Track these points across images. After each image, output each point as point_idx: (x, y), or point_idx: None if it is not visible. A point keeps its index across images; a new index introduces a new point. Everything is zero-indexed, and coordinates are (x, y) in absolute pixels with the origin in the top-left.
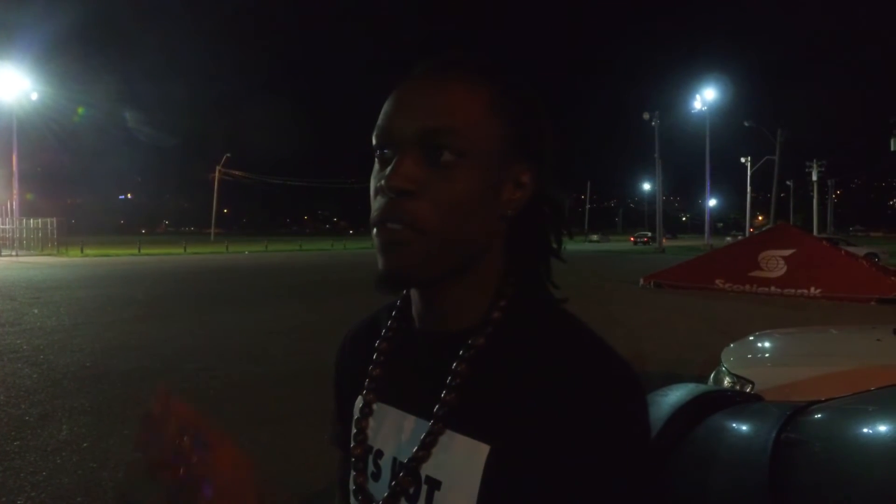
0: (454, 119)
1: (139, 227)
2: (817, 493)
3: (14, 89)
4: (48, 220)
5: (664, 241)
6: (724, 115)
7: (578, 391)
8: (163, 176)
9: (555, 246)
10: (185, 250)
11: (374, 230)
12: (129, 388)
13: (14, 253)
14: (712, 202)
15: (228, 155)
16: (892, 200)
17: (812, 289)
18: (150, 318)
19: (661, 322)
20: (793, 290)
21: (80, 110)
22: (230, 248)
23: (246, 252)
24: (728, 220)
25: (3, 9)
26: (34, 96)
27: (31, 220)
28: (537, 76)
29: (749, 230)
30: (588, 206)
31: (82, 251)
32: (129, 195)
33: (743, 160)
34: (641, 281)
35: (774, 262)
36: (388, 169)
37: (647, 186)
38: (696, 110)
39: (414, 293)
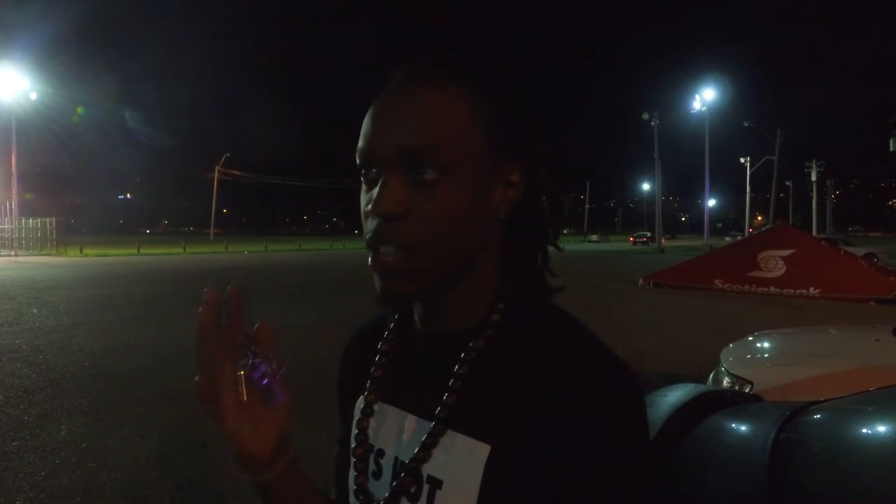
0: (434, 136)
1: (138, 227)
2: (816, 494)
3: (13, 89)
4: (47, 219)
5: (663, 241)
6: (723, 115)
7: (576, 391)
8: (162, 176)
9: (552, 236)
10: (184, 250)
11: (370, 254)
12: (128, 387)
13: (13, 253)
14: (711, 202)
15: (228, 155)
16: (892, 201)
17: (811, 289)
18: (149, 317)
19: (660, 322)
20: (792, 291)
21: (80, 110)
22: (229, 248)
23: (245, 252)
24: (727, 220)
25: (3, 8)
26: (33, 96)
27: (30, 220)
28: (537, 76)
29: (748, 230)
30: (587, 207)
31: (81, 251)
32: (128, 195)
33: (742, 160)
34: (641, 281)
35: (773, 263)
36: (374, 192)
37: (646, 186)
38: (695, 110)
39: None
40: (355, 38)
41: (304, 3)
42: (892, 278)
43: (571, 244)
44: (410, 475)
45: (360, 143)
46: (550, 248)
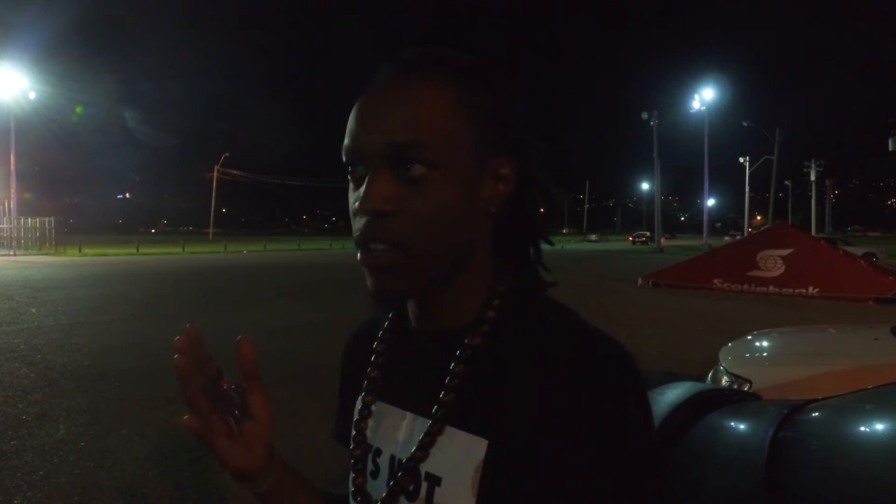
0: (420, 131)
1: (137, 227)
2: (814, 492)
3: (12, 88)
4: (46, 219)
5: (663, 240)
6: (722, 115)
7: (574, 384)
8: (161, 175)
9: (544, 231)
10: (183, 250)
11: (359, 251)
12: (127, 387)
13: (12, 252)
14: (711, 202)
15: (227, 154)
16: (891, 200)
17: (810, 288)
18: (148, 317)
19: (659, 321)
20: (791, 290)
21: (79, 109)
22: (229, 248)
23: (244, 251)
24: (726, 220)
25: (2, 8)
26: (32, 95)
27: (29, 220)
28: (537, 76)
29: (747, 230)
30: (587, 206)
31: (80, 251)
32: (127, 195)
33: (741, 160)
34: (640, 280)
35: (773, 262)
36: (362, 190)
37: (645, 186)
38: (694, 110)
39: None
40: (355, 37)
41: (305, 3)
42: (890, 278)
43: (571, 244)
44: (408, 474)
45: (346, 141)
46: (543, 245)
